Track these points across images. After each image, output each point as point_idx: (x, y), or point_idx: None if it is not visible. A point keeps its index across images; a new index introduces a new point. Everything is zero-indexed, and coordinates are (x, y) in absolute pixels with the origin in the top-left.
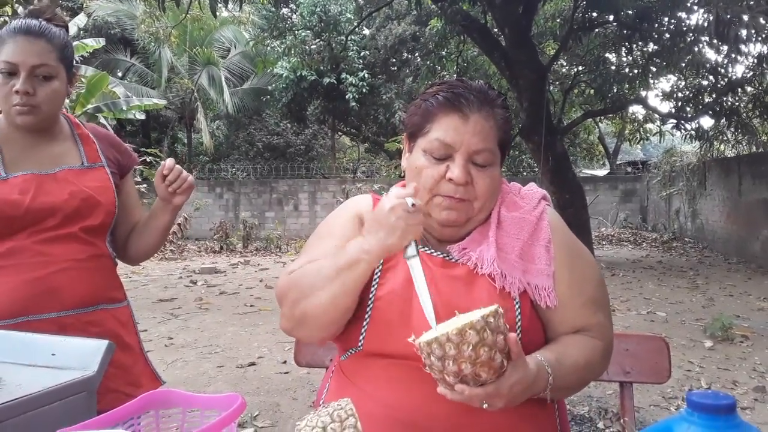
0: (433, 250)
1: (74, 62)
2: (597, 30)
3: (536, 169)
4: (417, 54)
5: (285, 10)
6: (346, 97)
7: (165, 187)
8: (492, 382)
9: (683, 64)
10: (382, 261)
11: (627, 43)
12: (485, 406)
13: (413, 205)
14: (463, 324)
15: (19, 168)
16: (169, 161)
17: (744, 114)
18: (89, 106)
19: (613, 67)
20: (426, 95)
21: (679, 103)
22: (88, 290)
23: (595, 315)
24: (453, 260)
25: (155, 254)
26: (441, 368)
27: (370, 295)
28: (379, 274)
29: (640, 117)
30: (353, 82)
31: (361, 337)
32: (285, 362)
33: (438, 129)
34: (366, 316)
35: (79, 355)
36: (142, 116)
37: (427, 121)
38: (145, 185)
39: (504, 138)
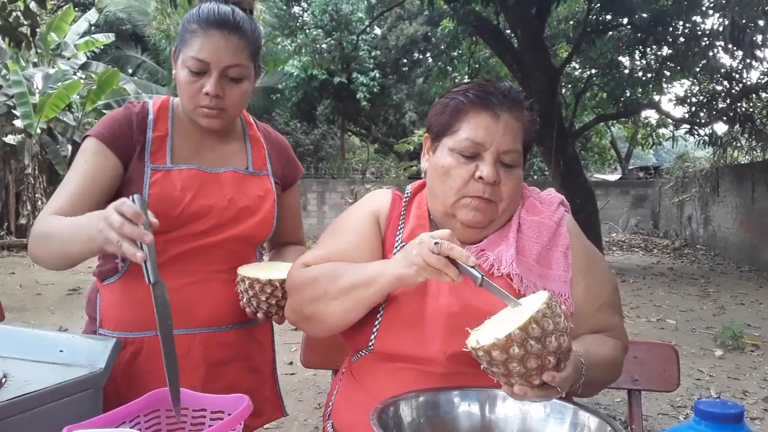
0: None
1: (260, 54)
2: (611, 33)
3: (547, 173)
4: (428, 54)
5: (296, 9)
6: (357, 96)
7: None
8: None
9: (697, 69)
10: None
11: (641, 47)
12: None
13: (436, 243)
14: (524, 322)
15: (185, 161)
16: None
17: (758, 120)
18: (99, 102)
19: (627, 71)
20: (453, 94)
21: (693, 108)
22: (222, 307)
23: (612, 317)
24: None
25: None
26: (506, 372)
27: None
28: None
29: (653, 121)
30: (364, 81)
31: (372, 337)
32: (291, 363)
33: (468, 128)
34: (378, 315)
35: (87, 352)
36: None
37: (456, 119)
38: None
39: (528, 140)
